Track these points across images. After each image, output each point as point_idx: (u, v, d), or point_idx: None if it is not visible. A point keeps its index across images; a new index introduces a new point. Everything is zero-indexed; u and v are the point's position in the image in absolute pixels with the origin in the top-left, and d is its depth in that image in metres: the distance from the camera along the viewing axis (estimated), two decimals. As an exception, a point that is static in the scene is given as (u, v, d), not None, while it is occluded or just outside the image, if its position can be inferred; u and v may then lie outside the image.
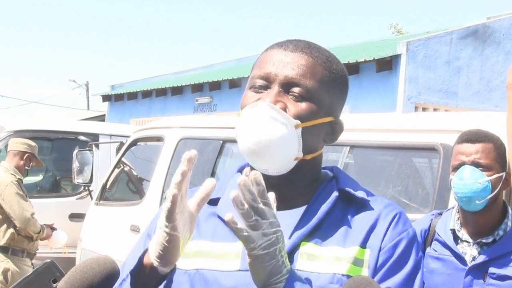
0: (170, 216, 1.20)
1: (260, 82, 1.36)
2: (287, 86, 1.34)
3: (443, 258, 2.55)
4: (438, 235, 2.61)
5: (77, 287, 1.23)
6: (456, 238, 2.58)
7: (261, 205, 1.18)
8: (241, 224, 1.18)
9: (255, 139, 1.31)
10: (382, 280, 1.33)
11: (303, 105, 1.34)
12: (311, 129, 1.35)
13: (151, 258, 1.27)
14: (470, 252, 2.52)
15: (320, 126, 1.37)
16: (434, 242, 2.61)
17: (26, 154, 5.68)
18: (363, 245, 1.35)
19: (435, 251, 2.58)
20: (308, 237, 1.36)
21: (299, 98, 1.34)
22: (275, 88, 1.33)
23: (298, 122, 1.33)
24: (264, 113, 1.31)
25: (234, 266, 1.35)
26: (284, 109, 1.33)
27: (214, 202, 1.45)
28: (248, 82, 1.40)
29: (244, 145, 1.34)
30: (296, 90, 1.33)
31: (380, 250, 1.35)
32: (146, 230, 1.52)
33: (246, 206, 1.17)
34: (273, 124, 1.30)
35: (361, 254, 1.34)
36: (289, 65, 1.34)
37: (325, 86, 1.36)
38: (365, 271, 1.33)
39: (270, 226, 1.19)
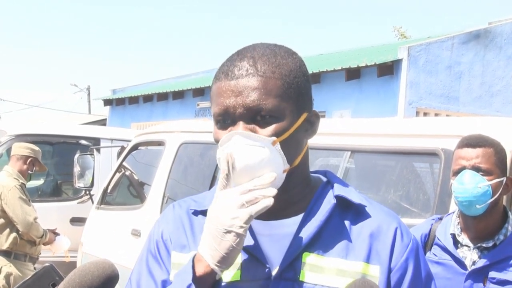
0: (251, 219, 1.25)
1: (221, 118, 1.35)
2: (248, 115, 1.32)
3: (443, 262, 2.55)
4: (438, 239, 2.61)
5: (76, 291, 1.23)
6: (456, 243, 2.58)
7: None
8: None
9: (242, 172, 1.30)
10: None
11: (272, 126, 1.32)
12: (288, 140, 1.34)
13: (211, 264, 1.27)
14: (470, 256, 2.52)
15: (295, 131, 1.36)
16: (434, 247, 2.62)
17: (30, 159, 5.69)
18: (368, 260, 1.35)
19: (435, 255, 2.58)
20: (308, 247, 1.35)
21: (266, 122, 1.32)
22: (240, 123, 1.32)
23: (274, 138, 1.32)
24: (240, 143, 1.30)
25: (234, 277, 1.35)
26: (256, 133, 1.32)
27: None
28: (212, 116, 1.40)
29: (234, 180, 1.33)
30: (259, 116, 1.32)
31: (390, 266, 1.35)
32: (146, 254, 1.48)
33: None
34: (252, 150, 1.30)
35: (368, 270, 1.34)
36: (242, 94, 1.31)
37: (284, 95, 1.34)
38: None
39: None
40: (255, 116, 1.32)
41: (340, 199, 1.40)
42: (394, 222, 1.40)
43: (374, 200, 1.47)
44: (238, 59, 1.36)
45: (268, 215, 1.38)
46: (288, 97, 1.34)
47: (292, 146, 1.36)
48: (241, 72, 1.33)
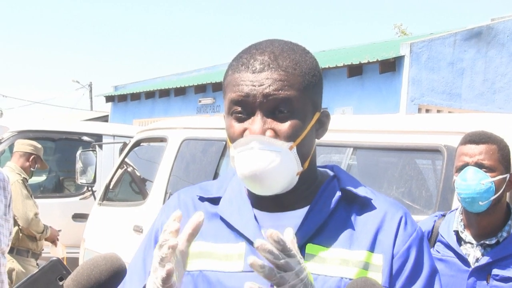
0: (166, 282, 1.18)
1: (239, 108, 1.34)
2: (268, 108, 1.32)
3: (446, 259, 2.55)
4: (441, 236, 2.61)
5: (84, 284, 1.23)
6: (459, 240, 2.58)
7: (283, 260, 1.18)
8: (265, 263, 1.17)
9: (257, 176, 1.30)
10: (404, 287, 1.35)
11: (290, 124, 1.32)
12: (303, 141, 1.35)
13: None
14: (474, 253, 2.52)
15: (310, 131, 1.37)
16: (437, 244, 2.61)
17: (32, 156, 5.71)
18: (372, 248, 1.35)
19: (438, 252, 2.58)
20: (312, 238, 1.36)
21: (284, 117, 1.32)
22: (258, 114, 1.32)
23: (291, 143, 1.32)
24: (256, 150, 1.30)
25: (237, 267, 1.36)
26: (275, 135, 1.31)
27: (215, 201, 1.46)
28: (225, 106, 1.38)
29: (248, 184, 1.34)
30: (278, 110, 1.32)
31: (393, 255, 1.36)
32: (145, 242, 1.51)
33: (266, 267, 1.17)
34: (270, 158, 1.30)
35: (371, 259, 1.34)
36: (263, 86, 1.31)
37: (303, 92, 1.34)
38: (377, 276, 1.33)
39: (296, 275, 1.18)
40: (274, 110, 1.32)
41: (346, 192, 1.41)
42: (400, 211, 1.41)
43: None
44: (258, 53, 1.35)
45: (274, 207, 1.40)
46: (307, 94, 1.35)
47: (306, 148, 1.36)
48: (262, 66, 1.32)
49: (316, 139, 1.43)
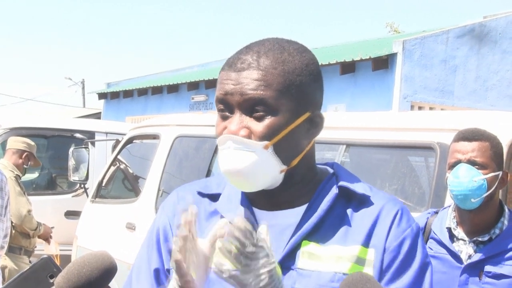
0: (180, 275, 1.22)
1: (221, 106, 1.37)
2: (245, 105, 1.33)
3: (438, 256, 2.56)
4: (434, 233, 2.62)
5: (74, 282, 1.23)
6: (452, 237, 2.59)
7: (250, 249, 1.20)
8: (228, 268, 1.21)
9: (234, 174, 1.33)
10: (391, 281, 1.34)
11: (266, 123, 1.33)
12: (283, 140, 1.35)
13: None
14: (466, 250, 2.53)
15: (293, 131, 1.36)
16: (430, 240, 2.62)
17: (25, 153, 5.70)
18: (366, 244, 1.35)
19: (431, 249, 2.58)
20: (309, 236, 1.36)
21: (261, 116, 1.33)
22: (237, 113, 1.34)
23: (266, 142, 1.33)
24: (231, 150, 1.33)
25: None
26: (249, 134, 1.33)
27: (214, 198, 1.47)
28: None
29: (229, 180, 1.37)
30: (255, 109, 1.33)
31: (385, 249, 1.36)
32: (147, 241, 1.52)
33: (233, 252, 1.19)
34: (243, 156, 1.32)
35: (364, 254, 1.35)
36: (240, 85, 1.33)
37: (285, 92, 1.33)
38: (369, 271, 1.33)
39: (262, 266, 1.21)
40: (251, 109, 1.33)
41: (344, 190, 1.41)
42: (396, 207, 1.40)
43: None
44: (244, 52, 1.37)
45: (271, 205, 1.41)
46: (288, 94, 1.34)
47: (288, 147, 1.36)
48: (243, 65, 1.34)
49: (309, 140, 1.41)
